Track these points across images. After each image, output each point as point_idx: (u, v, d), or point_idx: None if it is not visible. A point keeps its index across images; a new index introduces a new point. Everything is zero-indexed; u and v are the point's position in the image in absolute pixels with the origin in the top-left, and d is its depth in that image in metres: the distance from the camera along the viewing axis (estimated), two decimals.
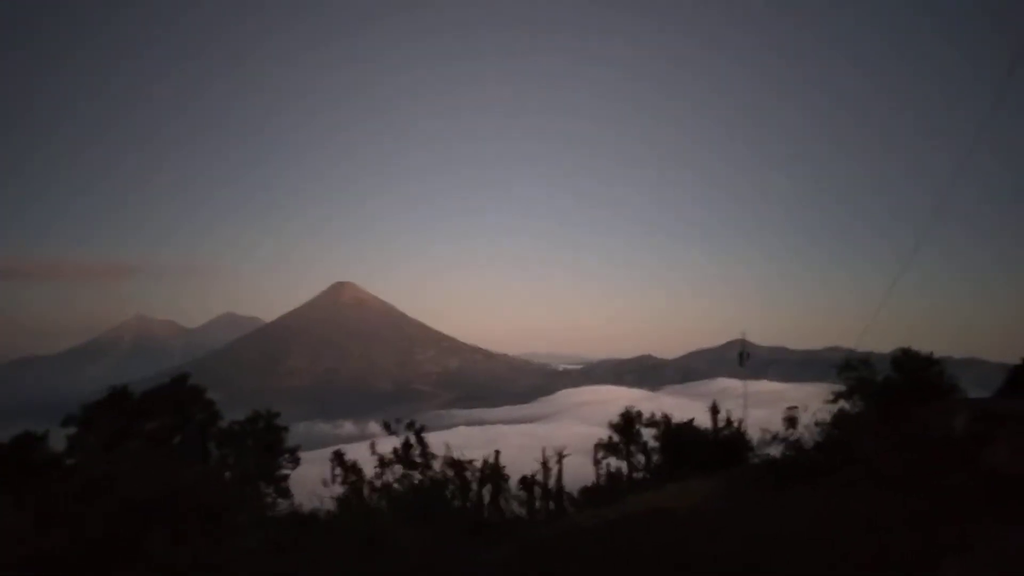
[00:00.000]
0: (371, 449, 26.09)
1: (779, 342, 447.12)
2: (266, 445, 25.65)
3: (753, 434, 27.39)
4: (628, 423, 25.56)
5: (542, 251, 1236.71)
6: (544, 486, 23.78)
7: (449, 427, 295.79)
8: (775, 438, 24.62)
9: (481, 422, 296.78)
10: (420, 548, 13.70)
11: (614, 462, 25.90)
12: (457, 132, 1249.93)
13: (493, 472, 24.07)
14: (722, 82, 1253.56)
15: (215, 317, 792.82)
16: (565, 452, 24.04)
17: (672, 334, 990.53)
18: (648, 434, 25.48)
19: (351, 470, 24.66)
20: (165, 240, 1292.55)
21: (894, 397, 25.25)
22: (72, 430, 22.46)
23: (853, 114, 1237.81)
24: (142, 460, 23.19)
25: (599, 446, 25.52)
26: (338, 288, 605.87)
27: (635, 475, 25.01)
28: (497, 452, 25.65)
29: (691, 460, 21.71)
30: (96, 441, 23.03)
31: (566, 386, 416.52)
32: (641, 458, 25.21)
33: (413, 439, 25.93)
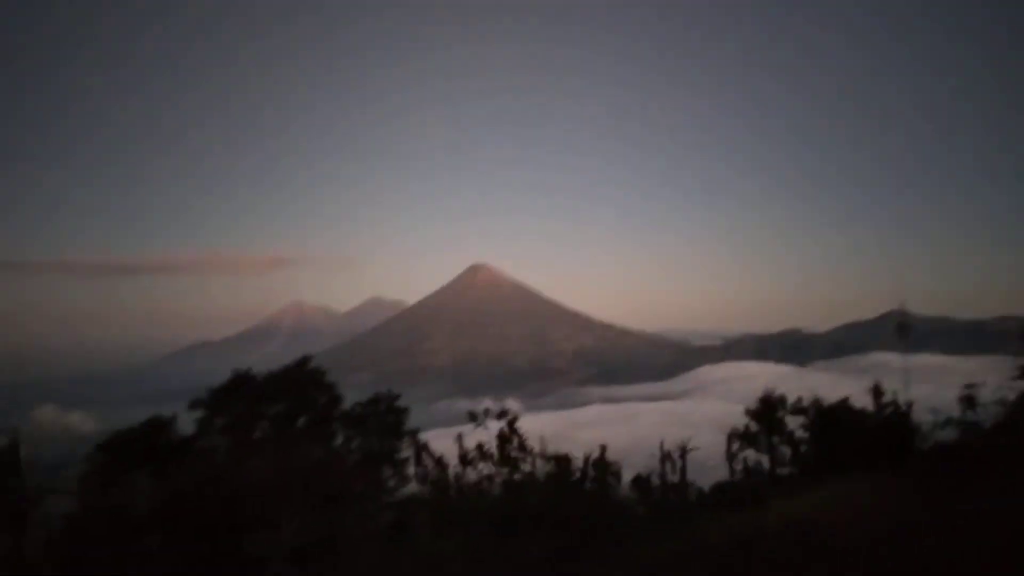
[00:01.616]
0: (457, 442, 23.58)
1: (941, 311, 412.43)
2: (387, 427, 25.01)
3: (919, 416, 23.86)
4: (769, 408, 22.01)
5: (679, 225, 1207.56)
6: (663, 486, 20.97)
7: (584, 404, 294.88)
8: (950, 421, 21.28)
9: (616, 400, 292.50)
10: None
11: (752, 455, 22.31)
12: (583, 110, 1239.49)
13: (598, 468, 21.67)
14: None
15: (363, 302, 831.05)
16: (691, 446, 21.19)
17: (821, 306, 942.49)
18: (794, 422, 21.96)
19: (437, 463, 23.00)
20: (316, 232, 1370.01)
21: None
22: (200, 414, 22.58)
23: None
24: (265, 443, 23.20)
25: (734, 435, 22.15)
26: (474, 270, 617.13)
27: (778, 471, 21.60)
28: (603, 447, 23.18)
29: (848, 452, 18.55)
30: (222, 425, 23.11)
31: (705, 363, 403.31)
32: (786, 450, 21.77)
33: (506, 429, 23.77)
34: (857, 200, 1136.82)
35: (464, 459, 22.35)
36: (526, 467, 22.36)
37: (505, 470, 22.18)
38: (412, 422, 26.37)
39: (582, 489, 21.23)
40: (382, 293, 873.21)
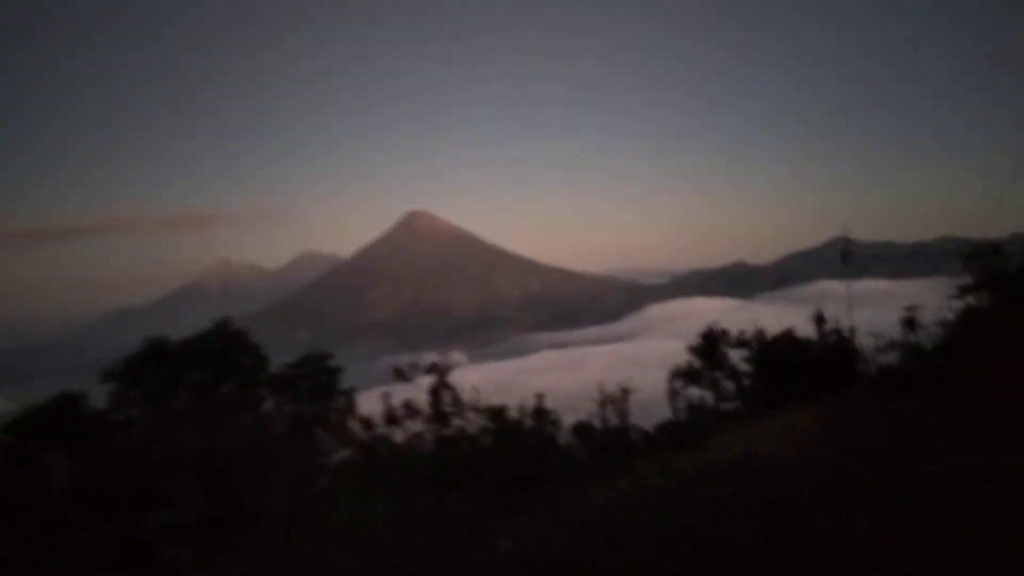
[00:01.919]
0: (384, 401, 22.27)
1: (885, 236, 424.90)
2: (320, 389, 23.79)
3: (864, 341, 23.81)
4: (711, 343, 21.56)
5: (621, 162, 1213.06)
6: (605, 431, 20.22)
7: (532, 352, 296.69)
8: (891, 345, 21.19)
9: (565, 345, 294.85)
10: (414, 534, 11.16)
11: (696, 392, 21.91)
12: (518, 48, 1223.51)
13: (536, 417, 20.89)
14: None
15: (295, 257, 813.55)
16: (635, 387, 20.48)
17: (765, 238, 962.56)
18: (737, 356, 21.53)
19: (364, 424, 21.88)
20: (240, 186, 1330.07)
21: None
22: (112, 387, 21.00)
23: None
24: (186, 413, 21.86)
25: (675, 374, 21.66)
26: (412, 217, 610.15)
27: (723, 407, 21.45)
28: (540, 395, 22.42)
29: (792, 382, 18.28)
30: (140, 396, 21.61)
31: (653, 301, 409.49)
32: (730, 385, 21.38)
33: (438, 383, 22.65)
34: (797, 129, 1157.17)
35: (390, 418, 21.06)
36: (460, 422, 21.33)
37: (435, 427, 20.96)
38: (355, 380, 25.16)
39: (518, 441, 20.22)
40: (316, 247, 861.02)
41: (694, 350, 21.40)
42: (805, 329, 24.17)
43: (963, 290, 22.78)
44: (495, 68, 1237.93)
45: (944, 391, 14.76)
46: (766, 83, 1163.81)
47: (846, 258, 33.47)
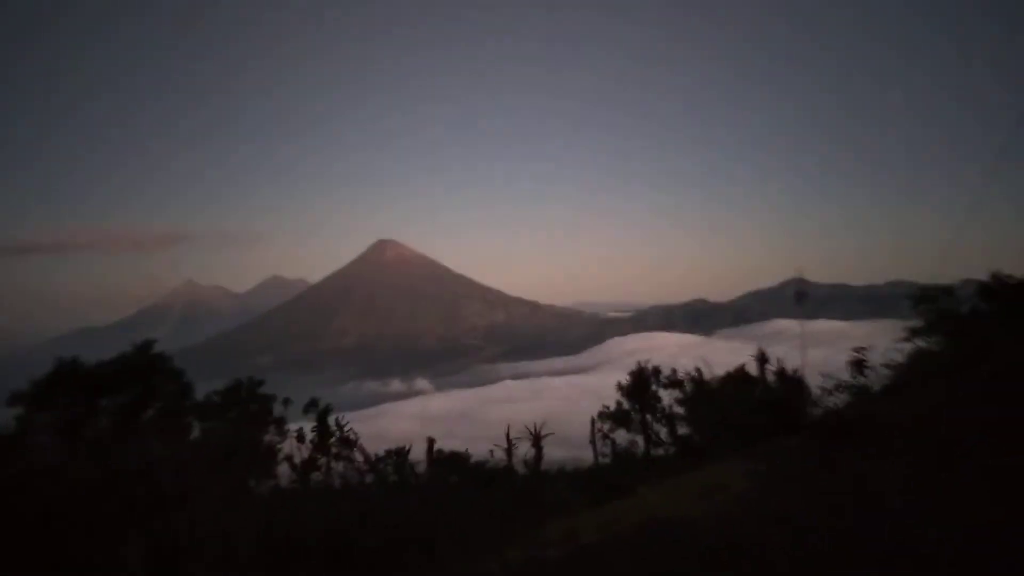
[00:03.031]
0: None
1: (838, 279, 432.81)
2: (251, 417, 22.63)
3: (812, 380, 23.29)
4: (642, 384, 20.03)
5: (587, 199, 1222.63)
6: (509, 477, 18.04)
7: (495, 381, 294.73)
8: (839, 387, 20.59)
9: (528, 375, 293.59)
10: None
11: (625, 436, 19.93)
12: (495, 83, 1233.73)
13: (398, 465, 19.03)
14: (773, 16, 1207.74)
15: (263, 281, 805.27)
16: (545, 430, 18.99)
17: (725, 276, 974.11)
18: (671, 397, 19.95)
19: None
20: (209, 208, 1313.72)
21: (985, 331, 20.98)
22: (20, 411, 19.59)
23: (921, 33, 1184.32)
24: (102, 441, 20.51)
25: (602, 415, 19.88)
26: (381, 246, 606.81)
27: (654, 452, 19.55)
28: (430, 440, 20.76)
29: (731, 428, 17.02)
30: (51, 421, 20.19)
31: (615, 334, 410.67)
32: (662, 429, 19.78)
33: (334, 425, 21.14)
34: (758, 174, 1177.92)
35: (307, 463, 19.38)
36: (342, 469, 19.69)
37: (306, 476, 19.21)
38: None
39: (399, 494, 18.05)
40: (283, 272, 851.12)
41: (623, 390, 19.63)
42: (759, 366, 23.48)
43: (913, 332, 22.31)
44: (468, 104, 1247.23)
45: (891, 440, 14.13)
46: (728, 130, 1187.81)
47: (800, 298, 33.57)
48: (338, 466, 20.09)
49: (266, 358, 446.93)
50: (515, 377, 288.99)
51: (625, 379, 19.37)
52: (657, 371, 19.36)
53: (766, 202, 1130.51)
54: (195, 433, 22.55)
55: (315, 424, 20.34)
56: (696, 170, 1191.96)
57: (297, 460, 20.64)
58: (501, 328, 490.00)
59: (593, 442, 20.34)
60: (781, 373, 20.28)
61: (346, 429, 19.81)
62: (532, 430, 19.11)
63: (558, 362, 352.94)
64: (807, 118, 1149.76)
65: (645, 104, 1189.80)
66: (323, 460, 20.13)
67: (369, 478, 19.30)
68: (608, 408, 19.17)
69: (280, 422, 22.78)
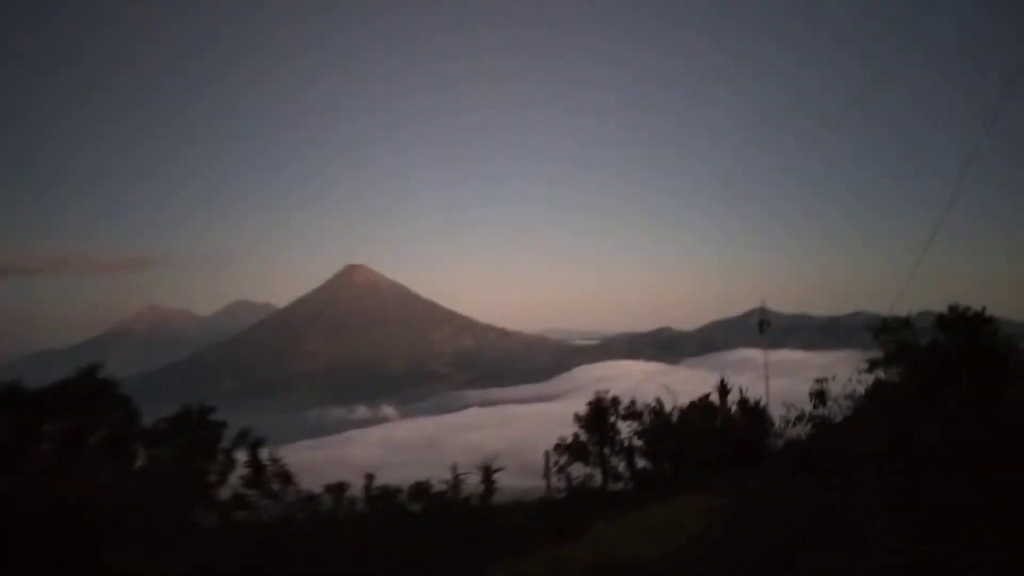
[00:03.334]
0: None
1: (801, 308, 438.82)
2: (199, 445, 21.86)
3: (775, 410, 23.25)
4: (600, 415, 19.53)
5: (555, 226, 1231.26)
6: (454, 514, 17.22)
7: (462, 408, 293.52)
8: (800, 418, 20.53)
9: (495, 402, 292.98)
10: None
11: (582, 469, 18.92)
12: (462, 107, 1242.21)
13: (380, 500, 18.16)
14: (739, 46, 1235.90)
15: (228, 304, 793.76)
16: (497, 465, 18.29)
17: (690, 305, 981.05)
18: (629, 428, 19.45)
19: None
20: (174, 230, 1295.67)
21: (944, 363, 21.09)
22: None
23: (872, 68, 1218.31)
24: (44, 468, 19.66)
25: (559, 447, 19.26)
26: (349, 271, 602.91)
27: (612, 487, 18.87)
28: (370, 475, 20.02)
29: (692, 460, 16.73)
30: None
31: (583, 362, 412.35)
32: (619, 462, 19.24)
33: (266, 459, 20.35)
34: (723, 203, 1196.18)
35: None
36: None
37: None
38: (283, 431, 23.07)
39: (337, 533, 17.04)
40: (249, 295, 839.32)
41: (581, 420, 19.08)
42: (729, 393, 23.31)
43: (873, 364, 22.36)
44: (437, 126, 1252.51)
45: (851, 471, 13.99)
46: (691, 160, 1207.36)
47: (763, 328, 33.82)
48: (269, 503, 19.33)
49: (231, 382, 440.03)
50: (483, 404, 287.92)
51: (582, 410, 18.84)
52: (616, 401, 18.90)
53: (731, 231, 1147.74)
54: (141, 461, 21.71)
55: (247, 459, 19.59)
56: (661, 199, 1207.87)
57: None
58: (469, 354, 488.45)
59: (547, 476, 19.75)
60: (743, 403, 20.07)
61: (281, 463, 19.03)
62: (483, 463, 18.43)
63: (526, 389, 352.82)
64: (772, 148, 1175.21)
65: (609, 134, 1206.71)
66: (253, 495, 19.36)
67: (303, 514, 18.63)
68: (564, 440, 18.54)
69: (229, 452, 22.01)
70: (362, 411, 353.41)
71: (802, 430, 20.39)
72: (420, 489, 21.56)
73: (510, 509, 15.91)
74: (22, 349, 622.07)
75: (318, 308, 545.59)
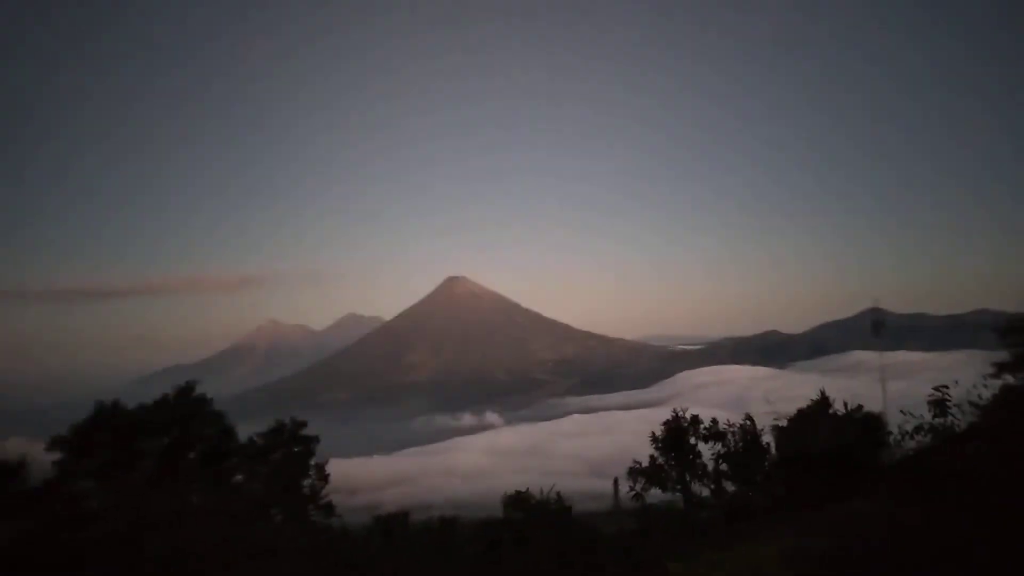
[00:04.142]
0: None
1: (918, 308, 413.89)
2: (293, 460, 22.03)
3: (892, 417, 21.26)
4: (677, 435, 17.84)
5: (659, 231, 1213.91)
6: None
7: (564, 415, 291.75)
8: (920, 428, 18.64)
9: (597, 409, 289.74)
10: None
11: (660, 494, 16.79)
12: (559, 117, 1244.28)
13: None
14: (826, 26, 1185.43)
15: (340, 318, 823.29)
16: (613, 466, 16.64)
17: (799, 307, 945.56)
18: (712, 450, 17.34)
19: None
20: (288, 249, 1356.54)
21: None
22: (58, 455, 19.40)
23: (992, 43, 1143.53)
24: (146, 485, 20.19)
25: (632, 471, 17.27)
26: (451, 283, 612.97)
27: (699, 515, 17.21)
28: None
29: (789, 484, 15.05)
30: (90, 466, 19.95)
31: (685, 368, 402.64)
32: (703, 488, 17.21)
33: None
34: (832, 200, 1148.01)
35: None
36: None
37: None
38: (391, 439, 23.38)
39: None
40: (358, 309, 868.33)
41: (658, 441, 17.29)
42: (838, 399, 21.58)
43: (1000, 367, 20.16)
44: (536, 140, 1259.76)
45: (985, 495, 12.24)
46: (801, 157, 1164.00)
47: (878, 329, 31.58)
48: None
49: (342, 394, 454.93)
50: (584, 411, 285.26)
51: (659, 429, 17.25)
52: (696, 420, 17.27)
53: (841, 230, 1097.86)
54: (237, 477, 22.02)
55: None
56: (768, 200, 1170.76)
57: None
58: (570, 362, 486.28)
59: (616, 503, 18.22)
60: (849, 415, 18.19)
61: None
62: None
63: (627, 396, 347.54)
64: (881, 139, 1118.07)
65: (706, 138, 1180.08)
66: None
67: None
68: (639, 463, 16.95)
69: (321, 467, 22.09)
70: (467, 419, 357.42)
71: (921, 441, 18.54)
72: (519, 499, 20.58)
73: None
74: (156, 365, 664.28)
75: (422, 320, 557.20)
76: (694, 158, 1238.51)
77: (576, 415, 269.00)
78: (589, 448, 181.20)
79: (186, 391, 21.30)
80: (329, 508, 21.47)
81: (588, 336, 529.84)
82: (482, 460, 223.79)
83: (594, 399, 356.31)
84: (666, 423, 17.20)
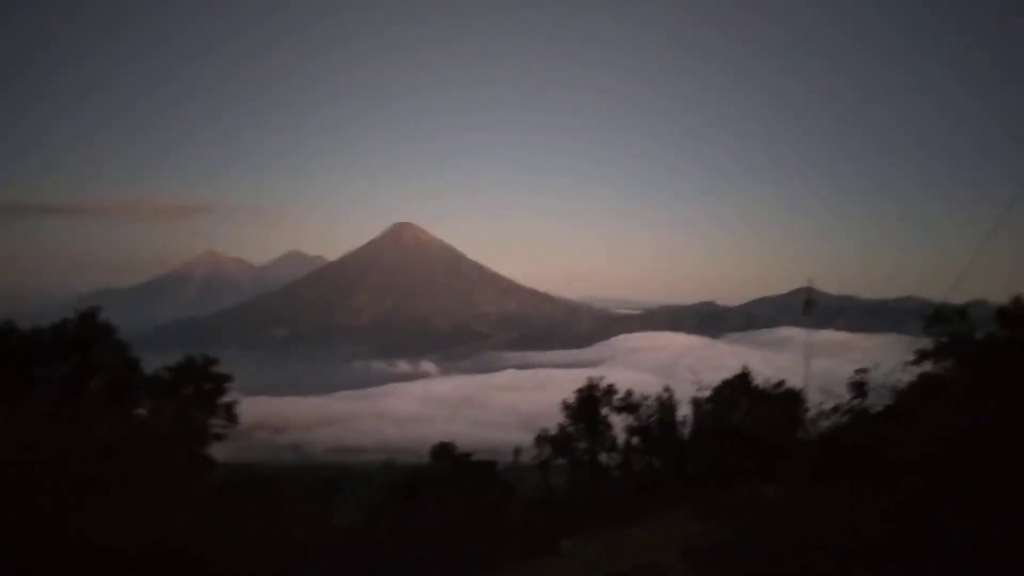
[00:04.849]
0: None
1: (849, 290, 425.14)
2: (202, 397, 21.16)
3: (813, 395, 21.52)
4: (589, 404, 16.92)
5: (606, 194, 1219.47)
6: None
7: (502, 368, 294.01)
8: (836, 410, 18.83)
9: (533, 365, 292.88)
10: None
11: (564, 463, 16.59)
12: (514, 73, 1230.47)
13: None
14: (792, 14, 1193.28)
15: (282, 255, 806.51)
16: (542, 423, 15.68)
17: (736, 281, 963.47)
18: (623, 422, 16.77)
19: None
20: (235, 180, 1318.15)
21: (1001, 360, 19.15)
22: None
23: (927, 46, 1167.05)
24: (45, 413, 19.09)
25: (541, 439, 16.44)
26: (400, 228, 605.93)
27: (608, 488, 16.31)
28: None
29: (696, 464, 14.73)
30: None
31: (624, 331, 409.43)
32: (611, 460, 16.41)
33: None
34: (775, 179, 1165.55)
35: None
36: None
37: None
38: (326, 381, 22.47)
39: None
40: (302, 247, 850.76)
41: (569, 408, 16.57)
42: (763, 370, 21.66)
43: (922, 355, 20.47)
44: (494, 91, 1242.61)
45: (894, 478, 12.26)
46: (741, 132, 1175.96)
47: (809, 308, 31.94)
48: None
49: (281, 331, 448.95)
50: (520, 366, 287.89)
51: (571, 398, 16.53)
52: (610, 391, 16.60)
53: (778, 207, 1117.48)
54: (139, 411, 21.05)
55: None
56: (711, 172, 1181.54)
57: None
58: (511, 317, 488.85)
59: (539, 466, 17.18)
60: (769, 391, 18.13)
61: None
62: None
63: (564, 354, 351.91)
64: (823, 121, 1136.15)
65: (659, 105, 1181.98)
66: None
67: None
68: (547, 431, 16.19)
69: (230, 406, 21.28)
70: (403, 366, 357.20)
71: (837, 421, 18.74)
72: (445, 449, 20.08)
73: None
74: (83, 288, 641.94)
75: (367, 263, 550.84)
76: (643, 126, 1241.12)
77: (512, 370, 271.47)
78: (522, 402, 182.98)
79: (88, 316, 20.15)
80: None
81: (532, 293, 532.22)
82: (416, 407, 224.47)
83: (532, 355, 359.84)
84: (579, 391, 16.63)
